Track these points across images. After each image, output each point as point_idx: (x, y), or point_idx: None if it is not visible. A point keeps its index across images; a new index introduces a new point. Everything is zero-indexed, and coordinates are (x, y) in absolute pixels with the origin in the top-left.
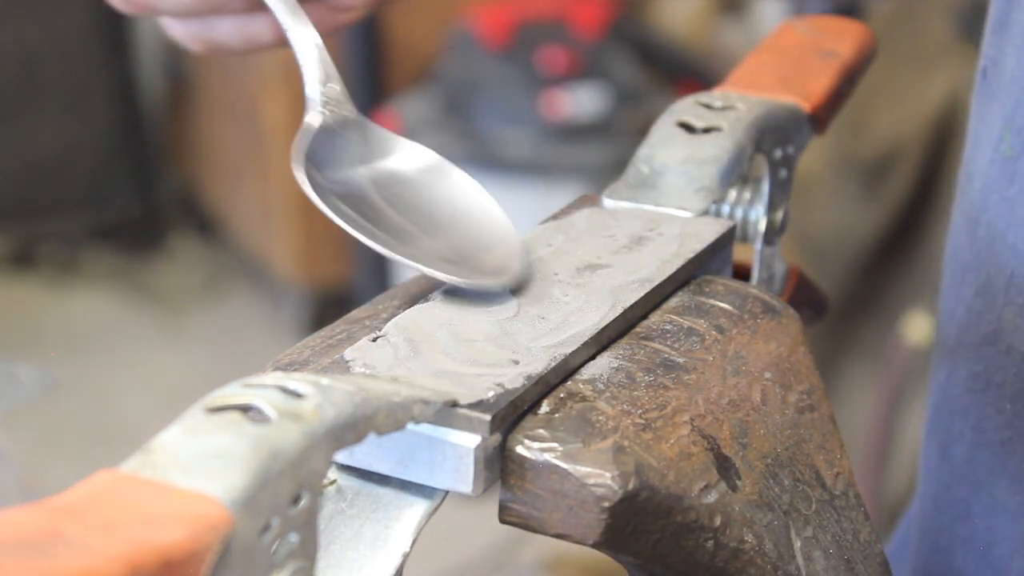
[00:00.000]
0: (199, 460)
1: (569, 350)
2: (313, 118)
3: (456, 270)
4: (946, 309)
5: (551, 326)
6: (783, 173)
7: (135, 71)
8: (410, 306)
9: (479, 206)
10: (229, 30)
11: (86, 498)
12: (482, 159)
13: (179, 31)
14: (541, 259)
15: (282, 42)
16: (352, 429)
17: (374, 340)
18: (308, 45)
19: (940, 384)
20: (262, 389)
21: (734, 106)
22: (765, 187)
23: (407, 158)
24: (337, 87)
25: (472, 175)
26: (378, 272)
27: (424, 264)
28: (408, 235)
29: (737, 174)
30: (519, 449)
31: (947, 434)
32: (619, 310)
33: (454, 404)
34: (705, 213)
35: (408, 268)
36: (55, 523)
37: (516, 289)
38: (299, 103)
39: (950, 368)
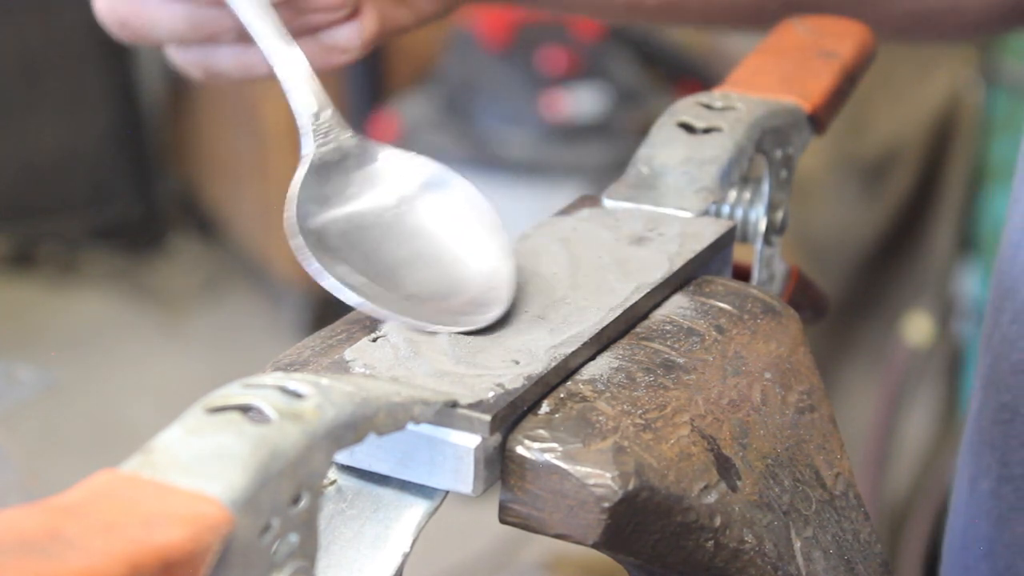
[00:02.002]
0: (199, 460)
1: (569, 350)
2: (301, 165)
3: (444, 314)
4: (985, 335)
5: (551, 326)
6: (783, 173)
7: (135, 71)
8: None
9: (473, 231)
10: (227, 59)
11: (86, 498)
12: (482, 159)
13: (179, 58)
14: (541, 259)
15: None
16: (352, 429)
17: (374, 340)
18: (298, 73)
19: (973, 414)
20: (262, 389)
21: (734, 106)
22: (765, 187)
23: (404, 179)
24: (329, 112)
25: (472, 175)
26: None
27: (411, 317)
28: (397, 274)
29: (737, 174)
30: (519, 449)
31: (976, 467)
32: (619, 310)
33: (454, 404)
34: (705, 213)
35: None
36: (55, 523)
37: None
38: None
39: (983, 398)
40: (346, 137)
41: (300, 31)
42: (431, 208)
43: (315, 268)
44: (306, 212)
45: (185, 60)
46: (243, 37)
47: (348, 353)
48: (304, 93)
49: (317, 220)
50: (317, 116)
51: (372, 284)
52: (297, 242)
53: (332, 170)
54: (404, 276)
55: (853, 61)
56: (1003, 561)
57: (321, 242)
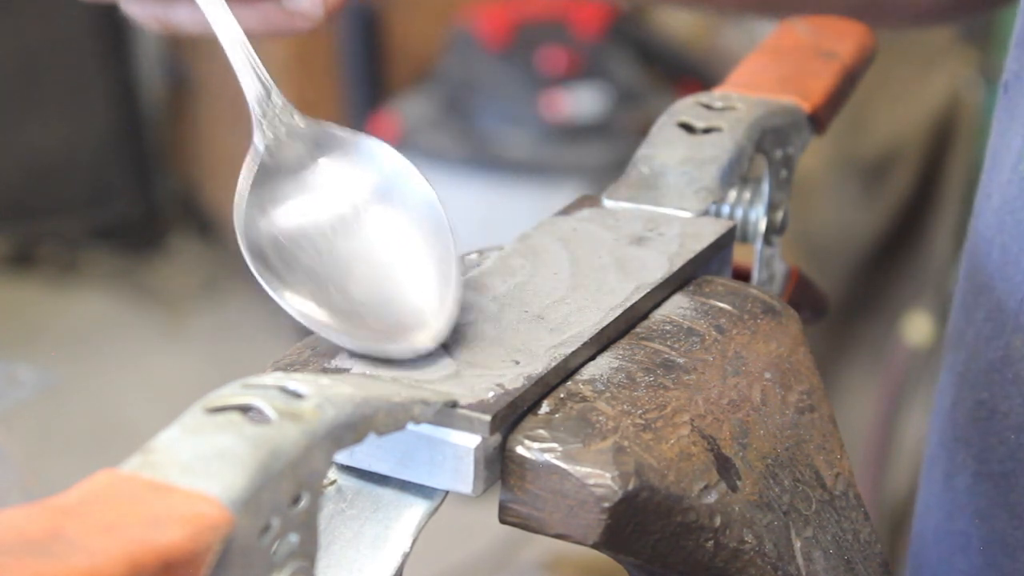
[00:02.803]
0: (199, 460)
1: (569, 350)
2: (249, 160)
3: (372, 331)
4: (956, 332)
5: (551, 326)
6: (783, 173)
7: (135, 71)
8: None
9: (423, 238)
10: (185, 15)
11: (86, 498)
12: (482, 159)
13: (136, 11)
14: (541, 259)
15: None
16: (352, 429)
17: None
18: (239, 54)
19: (945, 410)
20: (262, 389)
21: (734, 106)
22: (765, 187)
23: (357, 173)
24: (279, 101)
25: (472, 175)
26: None
27: (342, 335)
28: (341, 283)
29: (737, 174)
30: (519, 449)
31: (951, 463)
32: (619, 310)
33: (454, 404)
34: (705, 213)
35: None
36: (55, 523)
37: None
38: (298, 103)
39: (956, 395)
40: (300, 123)
41: None
42: (381, 218)
43: (259, 275)
44: (255, 213)
45: (143, 14)
46: None
47: (348, 353)
48: (250, 79)
49: (265, 222)
50: (268, 99)
51: (315, 292)
52: (241, 244)
53: (282, 163)
54: (347, 283)
55: (853, 61)
56: (982, 557)
57: (272, 246)
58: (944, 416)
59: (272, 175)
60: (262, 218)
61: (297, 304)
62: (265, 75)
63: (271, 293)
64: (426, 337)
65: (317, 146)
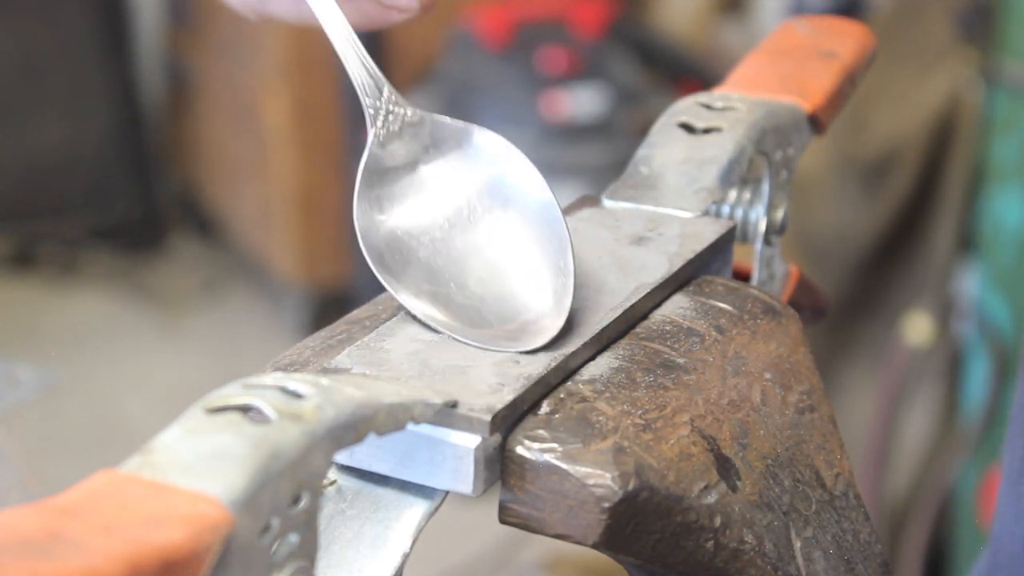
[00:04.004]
0: (199, 460)
1: (569, 350)
2: (372, 138)
3: (491, 331)
4: None
5: None
6: (783, 174)
7: (135, 71)
8: None
9: (538, 234)
10: (284, 4)
11: (86, 498)
12: None
13: (235, 1)
14: None
15: None
16: (352, 429)
17: (376, 342)
18: (350, 52)
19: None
20: (262, 389)
21: (734, 106)
22: (765, 188)
23: (471, 166)
24: (386, 90)
25: None
26: None
27: (462, 335)
28: (455, 282)
29: (737, 174)
30: (519, 449)
31: None
32: (619, 310)
33: (454, 404)
34: (705, 213)
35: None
36: (55, 523)
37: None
38: (299, 103)
39: None
40: (408, 114)
41: None
42: (496, 213)
43: (377, 271)
44: (369, 210)
45: (240, 3)
46: None
47: (348, 353)
48: (359, 71)
49: (381, 218)
50: (379, 93)
51: (429, 289)
52: (367, 257)
53: (395, 158)
54: (462, 281)
55: (853, 61)
56: None
57: (387, 243)
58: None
59: (385, 170)
60: (378, 214)
61: (415, 302)
62: (375, 68)
63: (391, 292)
64: (543, 340)
65: (431, 138)
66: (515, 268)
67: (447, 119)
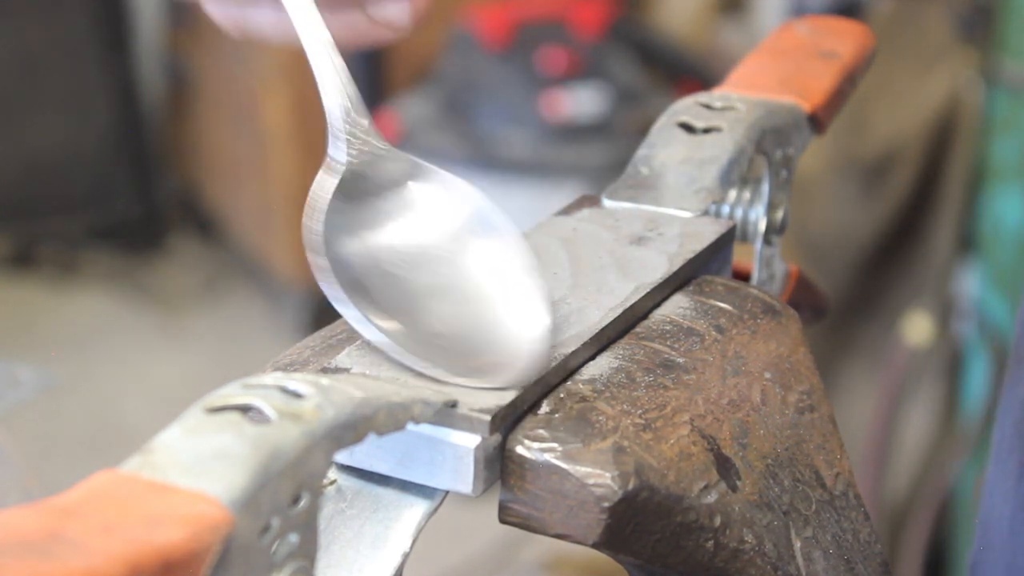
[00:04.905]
0: (199, 460)
1: (569, 350)
2: (330, 173)
3: (465, 369)
4: None
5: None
6: (783, 173)
7: (135, 71)
8: None
9: (511, 286)
10: (266, 19)
11: (86, 498)
12: (482, 159)
13: (217, 12)
14: (541, 259)
15: None
16: (352, 429)
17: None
18: (328, 70)
19: (1021, 396)
20: (262, 389)
21: (734, 106)
22: (765, 187)
23: (443, 210)
24: (365, 121)
25: (472, 175)
26: None
27: (422, 362)
28: (421, 310)
29: (737, 174)
30: (519, 449)
31: None
32: (619, 310)
33: (454, 404)
34: (705, 213)
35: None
36: (55, 523)
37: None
38: (299, 103)
39: None
40: (381, 148)
41: (349, 3)
42: (470, 250)
43: (337, 295)
44: (332, 227)
45: (223, 16)
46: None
47: (348, 353)
48: (336, 90)
49: (343, 239)
50: (348, 115)
51: (393, 320)
52: (321, 263)
53: (363, 183)
54: (429, 314)
55: (853, 61)
56: None
57: (346, 264)
58: (1019, 401)
59: (352, 195)
60: (345, 236)
61: (381, 327)
62: (352, 88)
63: (348, 314)
64: (511, 378)
65: (401, 173)
66: (485, 304)
67: (418, 159)
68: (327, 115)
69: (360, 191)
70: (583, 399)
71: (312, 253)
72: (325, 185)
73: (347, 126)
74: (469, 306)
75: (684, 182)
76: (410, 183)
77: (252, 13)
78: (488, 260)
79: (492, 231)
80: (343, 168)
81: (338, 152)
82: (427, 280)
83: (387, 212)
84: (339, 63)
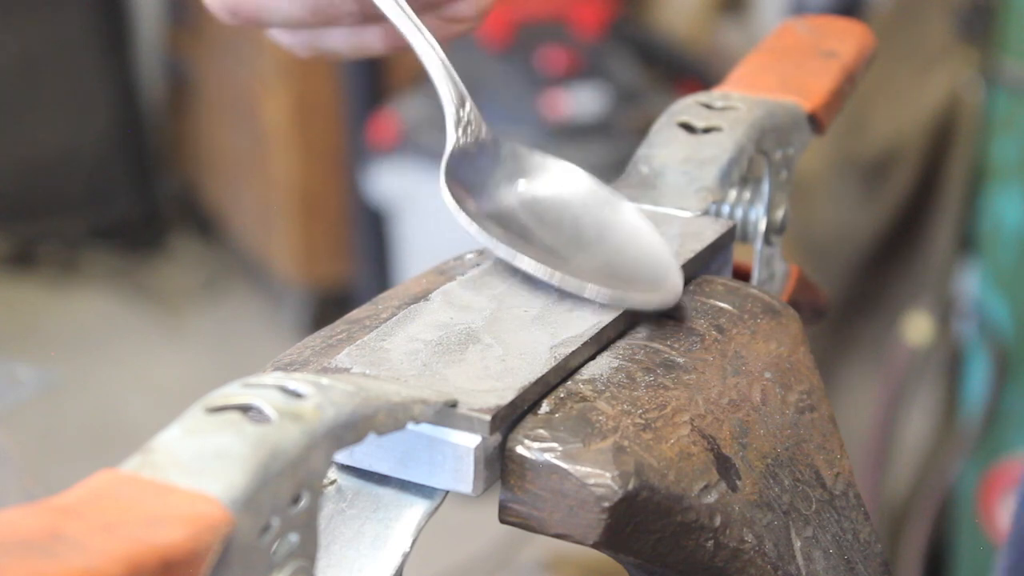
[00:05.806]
0: (199, 460)
1: (569, 350)
2: (453, 141)
3: (614, 289)
4: None
5: (551, 326)
6: (783, 173)
7: (135, 71)
8: (410, 306)
9: (627, 223)
10: (340, 39)
11: (86, 498)
12: None
13: (287, 40)
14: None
15: (393, 49)
16: (352, 429)
17: (376, 341)
18: (436, 65)
19: None
20: (262, 389)
21: (734, 106)
22: (765, 187)
23: (551, 178)
24: (471, 108)
25: None
26: (378, 272)
27: (584, 281)
28: (558, 254)
29: (737, 174)
30: (519, 449)
31: None
32: (619, 310)
33: (454, 404)
34: (705, 213)
35: (565, 287)
36: (55, 523)
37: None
38: (299, 103)
39: None
40: (488, 135)
41: (422, 7)
42: (582, 204)
43: (451, 203)
44: (459, 195)
45: (293, 41)
46: (360, 20)
47: (348, 353)
48: (448, 85)
49: (468, 197)
50: (463, 106)
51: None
52: (443, 191)
53: (478, 158)
54: (562, 258)
55: (853, 61)
56: None
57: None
58: None
59: (471, 165)
60: (468, 198)
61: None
62: (461, 85)
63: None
64: (667, 292)
65: (505, 158)
66: (619, 235)
67: (523, 147)
68: (444, 106)
69: (477, 166)
70: (583, 399)
71: (446, 195)
72: (451, 145)
73: (459, 110)
74: (603, 243)
75: (684, 182)
76: (523, 161)
77: (327, 36)
78: (605, 208)
79: (602, 195)
80: (459, 145)
81: (451, 135)
82: (558, 229)
83: (507, 182)
84: (447, 63)
